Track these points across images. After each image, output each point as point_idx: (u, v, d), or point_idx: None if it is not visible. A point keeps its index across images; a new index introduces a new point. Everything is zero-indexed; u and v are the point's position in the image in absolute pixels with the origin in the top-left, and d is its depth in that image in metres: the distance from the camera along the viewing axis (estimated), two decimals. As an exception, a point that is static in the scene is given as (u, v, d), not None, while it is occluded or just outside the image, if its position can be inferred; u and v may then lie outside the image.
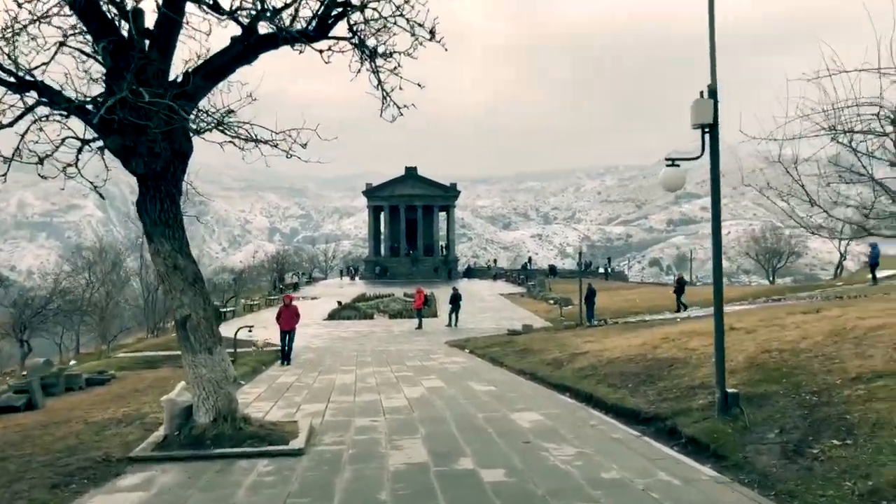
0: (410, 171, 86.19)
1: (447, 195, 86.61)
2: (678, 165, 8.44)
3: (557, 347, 19.03)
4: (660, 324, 20.23)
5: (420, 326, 32.27)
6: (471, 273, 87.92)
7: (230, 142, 9.00)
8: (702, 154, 8.31)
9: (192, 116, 8.59)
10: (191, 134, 8.79)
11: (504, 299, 49.32)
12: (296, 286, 63.72)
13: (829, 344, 10.14)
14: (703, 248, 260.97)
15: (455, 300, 33.50)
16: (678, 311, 29.79)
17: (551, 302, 39.74)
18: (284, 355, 20.62)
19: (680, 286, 33.18)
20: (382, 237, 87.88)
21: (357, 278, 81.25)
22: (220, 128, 8.69)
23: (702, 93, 8.13)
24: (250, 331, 22.42)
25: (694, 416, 8.69)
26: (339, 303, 45.04)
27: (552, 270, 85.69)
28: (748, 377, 9.61)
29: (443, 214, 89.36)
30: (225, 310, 42.15)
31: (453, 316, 33.21)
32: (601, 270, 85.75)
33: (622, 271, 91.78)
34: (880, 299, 17.17)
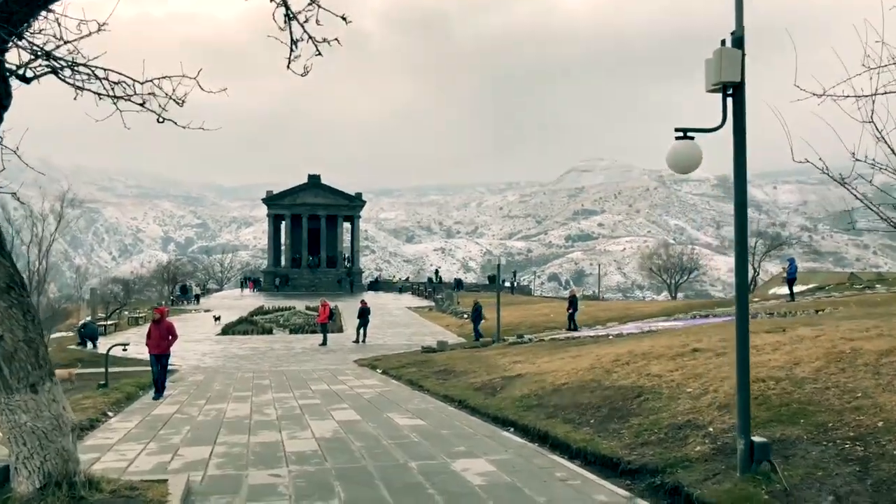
0: (314, 179, 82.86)
1: (352, 204, 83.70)
2: (692, 138, 6.40)
3: (484, 369, 16.90)
4: (591, 342, 18.45)
5: (325, 343, 29.50)
6: (376, 286, 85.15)
7: (78, 90, 6.32)
8: (722, 124, 6.30)
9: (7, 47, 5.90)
10: (7, 75, 6.07)
11: (412, 313, 47.06)
12: (197, 297, 59.20)
13: (836, 372, 8.38)
14: (600, 264, 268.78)
15: (363, 314, 30.95)
16: (570, 329, 27.97)
17: (464, 316, 37.73)
18: (157, 387, 15.77)
19: (572, 303, 30.71)
20: (283, 247, 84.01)
21: (255, 290, 77.06)
22: (50, 63, 6.01)
23: (723, 41, 6.11)
24: (124, 349, 19.18)
25: (698, 470, 6.65)
26: (216, 317, 41.51)
27: (458, 284, 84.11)
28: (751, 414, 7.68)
29: (347, 225, 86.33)
30: (106, 323, 38.01)
31: (361, 331, 30.66)
32: (507, 284, 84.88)
33: (528, 285, 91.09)
34: (834, 317, 15.92)
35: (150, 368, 16.70)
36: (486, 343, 26.75)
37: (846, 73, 4.99)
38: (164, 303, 56.65)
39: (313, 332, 33.87)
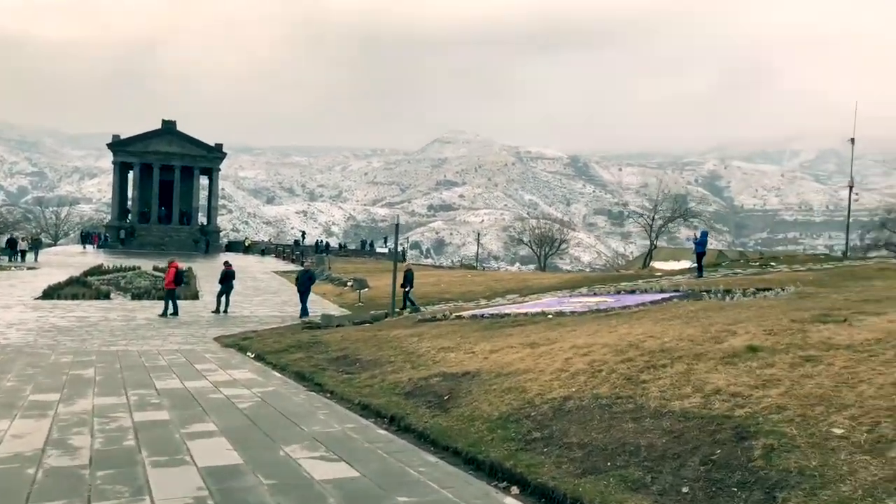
0: (168, 126, 74.32)
1: (211, 156, 75.91)
2: None
3: (403, 358, 12.53)
4: (528, 321, 14.49)
5: (168, 312, 23.76)
6: (233, 247, 78.25)
7: None
8: None
9: None
10: None
11: (281, 278, 41.68)
12: (23, 254, 50.17)
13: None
14: (459, 234, 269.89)
15: (227, 279, 25.57)
16: (404, 308, 23.96)
17: (348, 284, 33.01)
18: None
19: (408, 279, 25.49)
20: (131, 200, 75.08)
21: (91, 246, 68.05)
22: None
23: None
24: None
25: None
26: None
27: (327, 247, 78.85)
28: None
29: (204, 180, 78.49)
30: None
31: (223, 299, 25.32)
32: (379, 250, 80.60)
33: (403, 252, 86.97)
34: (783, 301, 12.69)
35: None
36: (378, 316, 22.38)
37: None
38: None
39: (161, 297, 28.02)
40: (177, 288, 24.98)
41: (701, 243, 29.00)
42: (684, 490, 5.00)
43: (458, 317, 16.65)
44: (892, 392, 5.48)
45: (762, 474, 4.84)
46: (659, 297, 16.99)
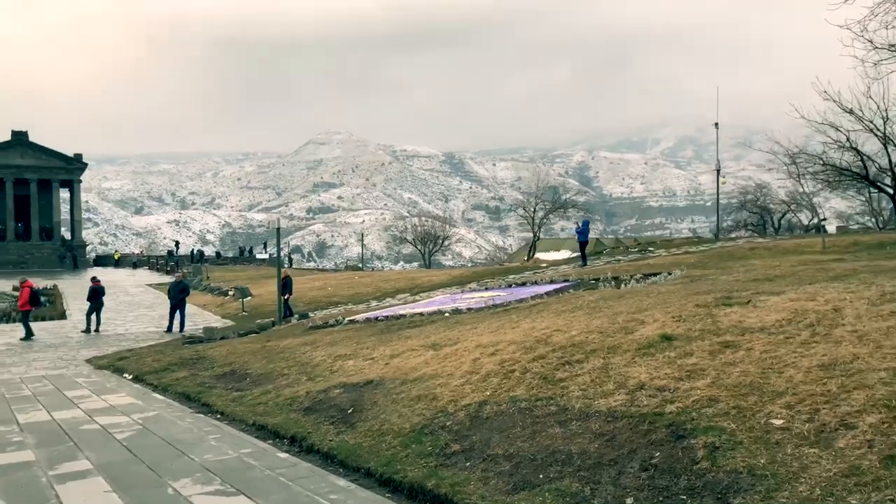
0: (19, 137, 69.09)
1: (70, 167, 71.23)
2: None
3: (297, 369, 11.83)
4: (425, 321, 14.05)
5: (27, 336, 21.73)
6: (102, 261, 73.77)
7: None
8: None
9: None
10: None
11: (155, 291, 39.43)
12: None
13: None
14: (340, 236, 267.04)
15: (96, 295, 23.69)
16: (286, 317, 23.23)
17: (230, 294, 31.49)
18: None
19: (287, 286, 24.18)
20: (-18, 218, 69.25)
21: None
22: None
23: None
24: None
25: None
26: None
27: (201, 256, 75.71)
28: None
29: (65, 193, 73.50)
30: None
31: (94, 317, 23.46)
32: (259, 257, 78.23)
33: (289, 256, 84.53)
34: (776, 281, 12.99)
35: None
36: (265, 326, 21.37)
37: None
38: None
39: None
40: (32, 309, 22.90)
41: (583, 232, 29.53)
42: (628, 501, 4.66)
43: (352, 321, 16.01)
44: (822, 376, 5.38)
45: (710, 477, 4.55)
46: (550, 287, 17.00)
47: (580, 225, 30.49)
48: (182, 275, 27.69)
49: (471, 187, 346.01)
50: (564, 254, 57.29)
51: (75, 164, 71.67)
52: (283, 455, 7.51)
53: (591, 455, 5.23)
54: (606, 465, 5.03)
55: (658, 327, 7.66)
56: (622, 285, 14.82)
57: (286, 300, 23.97)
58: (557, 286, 16.85)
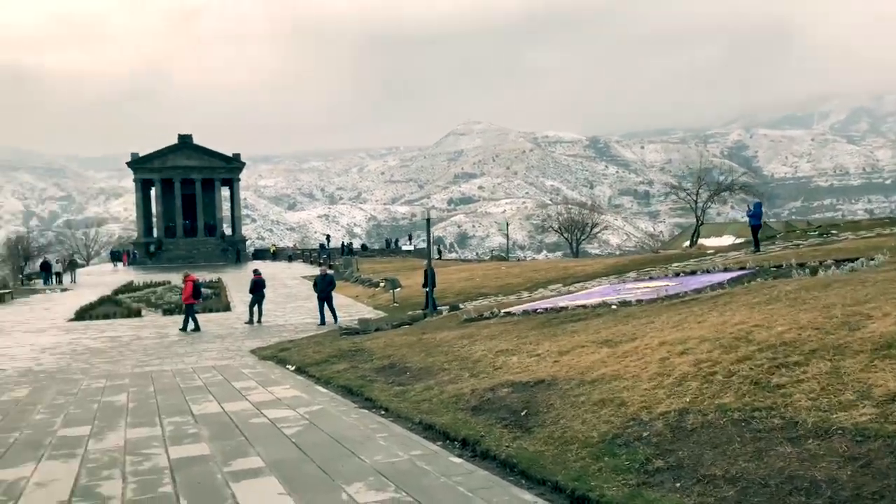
0: (185, 140, 73.93)
1: (230, 166, 75.38)
2: None
3: (457, 364, 11.38)
4: (590, 314, 13.21)
5: (187, 328, 22.61)
6: (260, 255, 77.67)
7: None
8: None
9: None
10: None
11: (311, 283, 40.64)
12: (59, 276, 49.74)
13: None
14: (481, 226, 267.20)
15: (257, 287, 24.56)
16: (426, 308, 22.31)
17: (381, 285, 31.90)
18: None
19: (429, 278, 23.04)
20: (155, 216, 74.77)
21: (122, 264, 67.80)
22: None
23: None
24: None
25: None
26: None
27: (350, 249, 77.97)
28: None
29: (226, 191, 77.94)
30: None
31: (255, 309, 24.32)
32: (405, 248, 79.51)
33: (424, 248, 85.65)
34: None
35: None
36: (416, 317, 21.21)
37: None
38: (10, 284, 47.34)
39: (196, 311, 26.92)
40: (196, 302, 23.90)
41: (755, 215, 27.35)
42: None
43: (508, 313, 15.42)
44: None
45: None
46: (727, 276, 15.66)
47: (751, 208, 28.32)
48: (326, 267, 28.15)
49: (617, 172, 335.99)
50: (728, 239, 54.03)
51: (235, 164, 75.77)
52: (457, 460, 7.01)
53: (845, 485, 4.30)
54: (870, 501, 4.09)
55: (893, 322, 6.48)
56: (817, 272, 13.29)
57: (429, 292, 23.76)
58: (734, 274, 15.50)
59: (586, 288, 20.64)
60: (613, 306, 13.62)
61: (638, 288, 16.26)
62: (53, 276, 49.18)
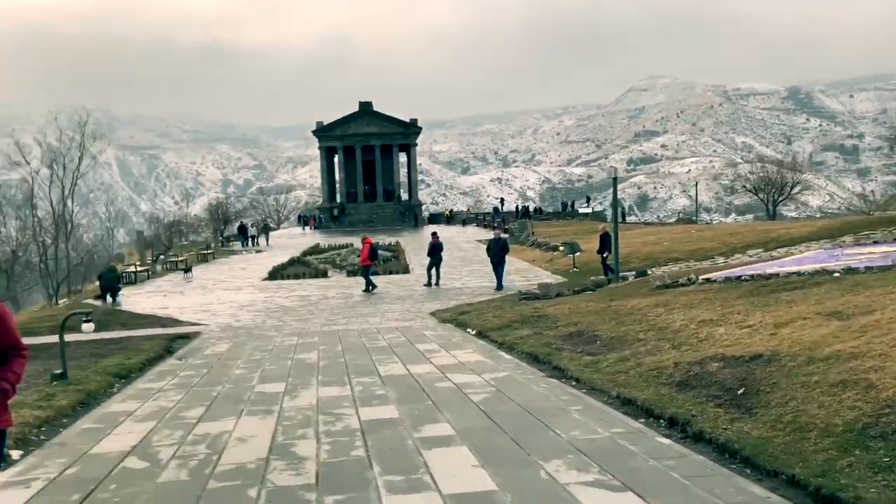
0: (365, 107, 76.32)
1: (407, 132, 77.00)
2: None
3: (651, 333, 10.55)
4: (809, 283, 11.78)
5: (367, 289, 23.03)
6: (434, 219, 79.16)
7: None
8: None
9: None
10: None
11: (485, 247, 40.67)
12: (254, 238, 53.86)
13: None
14: (663, 187, 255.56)
15: (435, 250, 24.68)
16: (606, 276, 21.14)
17: (560, 249, 31.17)
18: None
19: (605, 243, 22.66)
20: (337, 182, 78.29)
21: (308, 228, 71.75)
22: None
23: None
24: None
25: None
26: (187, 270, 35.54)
27: (525, 212, 77.42)
28: None
29: (402, 157, 79.88)
30: (137, 270, 32.65)
31: (433, 272, 24.48)
32: (582, 211, 77.95)
33: (602, 211, 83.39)
34: None
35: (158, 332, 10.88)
36: (600, 283, 20.33)
37: None
38: (212, 245, 51.48)
39: (374, 272, 27.80)
40: (372, 264, 24.34)
41: None
42: None
43: (707, 280, 14.20)
44: None
45: None
46: None
47: None
48: (500, 231, 27.72)
49: (820, 125, 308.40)
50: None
51: (412, 129, 77.36)
52: (665, 441, 6.28)
53: None
54: None
55: None
56: None
57: (604, 258, 22.65)
58: None
59: (792, 253, 18.78)
60: (836, 273, 12.08)
61: (861, 253, 14.42)
62: (249, 239, 52.88)
